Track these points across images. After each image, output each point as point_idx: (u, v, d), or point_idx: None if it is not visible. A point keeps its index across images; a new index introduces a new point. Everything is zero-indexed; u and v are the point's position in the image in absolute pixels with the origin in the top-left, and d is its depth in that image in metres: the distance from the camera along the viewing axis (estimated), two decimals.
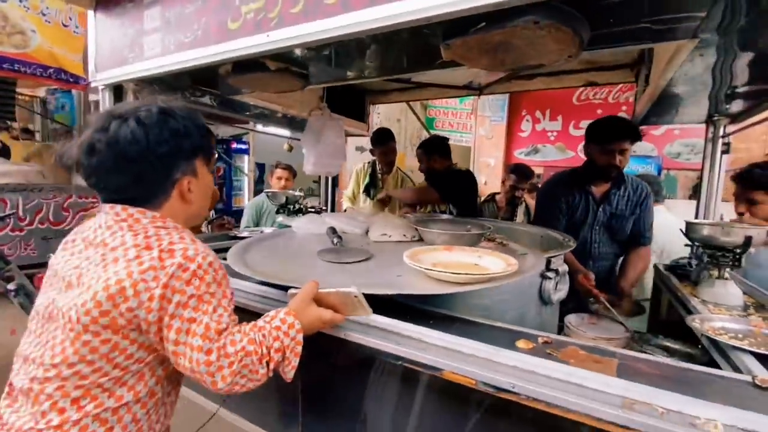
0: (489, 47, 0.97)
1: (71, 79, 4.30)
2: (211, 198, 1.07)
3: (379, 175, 3.39)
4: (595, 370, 0.83)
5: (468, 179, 2.81)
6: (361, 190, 3.48)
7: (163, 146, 0.87)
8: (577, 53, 0.94)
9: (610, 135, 1.94)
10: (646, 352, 1.36)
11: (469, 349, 0.89)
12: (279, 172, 3.34)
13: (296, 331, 0.89)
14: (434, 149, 2.78)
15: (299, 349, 0.89)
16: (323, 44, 1.12)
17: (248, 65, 1.41)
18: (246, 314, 0.98)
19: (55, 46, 4.13)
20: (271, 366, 0.86)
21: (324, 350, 1.08)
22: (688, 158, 5.96)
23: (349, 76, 1.53)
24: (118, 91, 1.80)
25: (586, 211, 2.10)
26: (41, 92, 7.36)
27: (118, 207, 0.88)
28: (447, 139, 2.88)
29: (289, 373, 0.89)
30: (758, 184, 1.86)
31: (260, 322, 0.91)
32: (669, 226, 2.31)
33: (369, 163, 3.49)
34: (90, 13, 1.75)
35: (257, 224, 3.20)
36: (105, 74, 1.73)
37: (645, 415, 0.69)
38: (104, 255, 0.83)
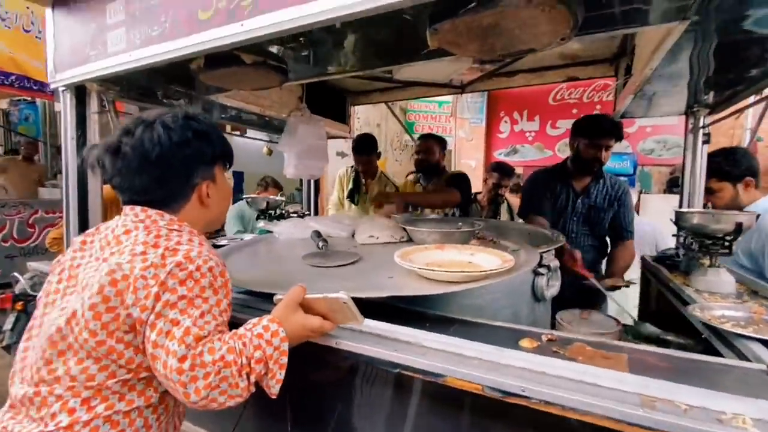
0: (479, 31, 0.92)
1: (35, 87, 4.06)
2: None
3: (363, 180, 3.30)
4: (605, 367, 0.78)
5: (469, 183, 2.77)
6: (345, 195, 3.39)
7: (185, 149, 0.91)
8: (570, 35, 0.90)
9: (599, 130, 2.05)
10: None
11: (472, 351, 0.83)
12: (273, 192, 3.29)
13: (280, 340, 0.81)
14: (443, 143, 2.78)
15: (284, 360, 0.81)
16: (302, 33, 1.05)
17: (222, 59, 1.32)
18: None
19: (17, 51, 3.90)
20: (252, 378, 0.78)
21: (313, 360, 1.00)
22: (661, 154, 6.14)
23: (330, 70, 1.46)
24: (80, 92, 1.67)
25: (566, 202, 2.22)
26: (3, 104, 7.00)
27: (138, 208, 0.90)
28: None
29: (273, 387, 0.80)
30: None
31: (241, 330, 0.83)
32: None
33: (352, 167, 3.40)
34: (48, 10, 1.63)
35: (245, 229, 3.10)
36: (65, 74, 1.60)
37: (667, 414, 0.64)
38: (113, 252, 0.84)
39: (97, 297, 0.77)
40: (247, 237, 2.39)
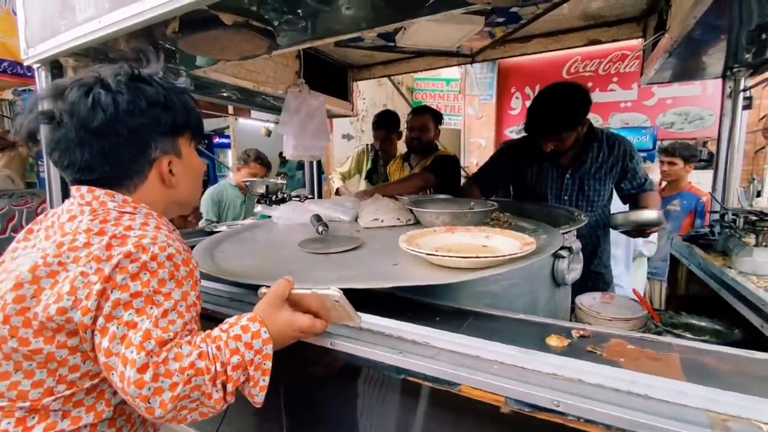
0: None
1: (29, 74, 3.94)
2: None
3: (382, 161, 3.12)
4: (654, 371, 0.64)
5: (457, 167, 2.58)
6: (363, 176, 3.26)
7: (136, 117, 0.76)
8: None
9: (540, 133, 1.78)
10: (669, 333, 1.20)
11: (492, 353, 0.70)
12: (255, 167, 3.00)
13: (263, 342, 0.69)
14: (439, 118, 2.56)
15: (268, 365, 0.69)
16: None
17: (200, 21, 1.17)
18: (210, 323, 0.77)
19: (7, 36, 3.76)
20: (230, 388, 0.66)
21: (307, 363, 0.87)
22: (682, 128, 5.84)
23: (324, 31, 1.29)
24: (56, 69, 1.53)
25: (552, 182, 1.89)
26: (8, 94, 6.93)
27: (84, 189, 0.77)
28: None
29: (257, 395, 0.69)
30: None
31: (215, 331, 0.70)
32: None
33: (371, 146, 3.25)
34: None
35: (219, 217, 2.92)
36: (37, 49, 1.46)
37: None
38: (55, 242, 0.70)
39: (24, 298, 0.65)
40: (247, 222, 2.27)
